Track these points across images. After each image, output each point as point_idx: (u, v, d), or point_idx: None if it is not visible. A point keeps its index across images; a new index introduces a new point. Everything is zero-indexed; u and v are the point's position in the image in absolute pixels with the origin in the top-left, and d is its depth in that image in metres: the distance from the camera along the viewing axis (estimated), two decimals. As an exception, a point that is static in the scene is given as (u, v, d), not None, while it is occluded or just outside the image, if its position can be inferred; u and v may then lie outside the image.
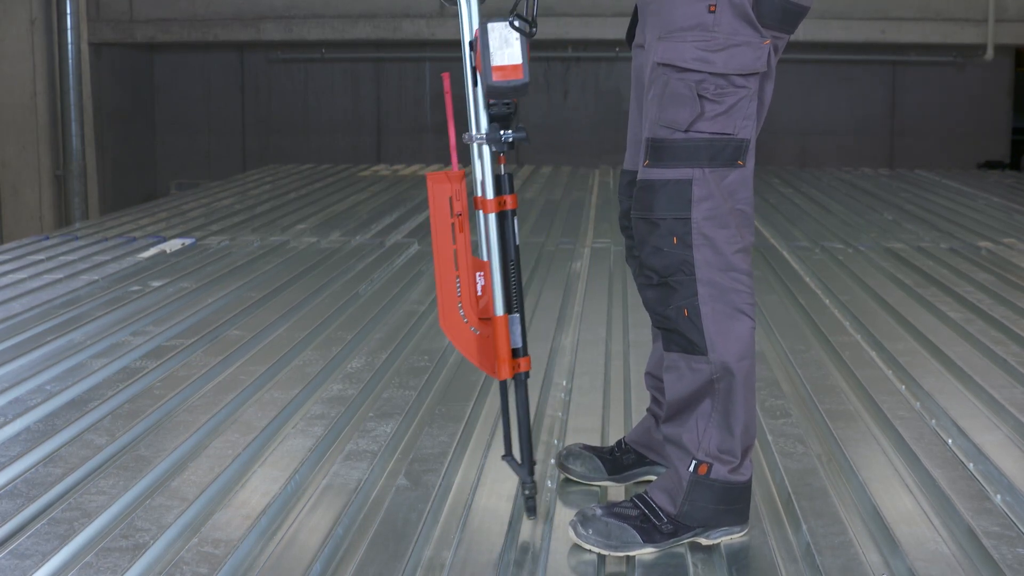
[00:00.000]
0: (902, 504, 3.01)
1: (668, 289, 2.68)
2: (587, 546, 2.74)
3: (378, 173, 10.71)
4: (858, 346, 4.56)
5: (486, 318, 2.83)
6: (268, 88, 12.95)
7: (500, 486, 3.11)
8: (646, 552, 2.74)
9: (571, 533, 2.77)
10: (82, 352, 4.38)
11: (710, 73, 2.60)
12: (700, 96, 2.60)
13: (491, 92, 2.68)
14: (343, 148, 12.79)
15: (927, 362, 4.32)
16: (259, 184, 9.84)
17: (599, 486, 3.15)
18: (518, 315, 2.83)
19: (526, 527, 2.89)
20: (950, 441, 3.47)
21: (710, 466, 2.72)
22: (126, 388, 3.93)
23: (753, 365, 2.74)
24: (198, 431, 3.52)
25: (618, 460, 3.15)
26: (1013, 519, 2.89)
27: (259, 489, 3.07)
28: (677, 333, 2.69)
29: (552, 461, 3.28)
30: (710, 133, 2.62)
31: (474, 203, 2.81)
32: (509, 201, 2.80)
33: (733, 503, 2.76)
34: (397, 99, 12.84)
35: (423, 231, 7.24)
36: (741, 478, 2.76)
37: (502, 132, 2.75)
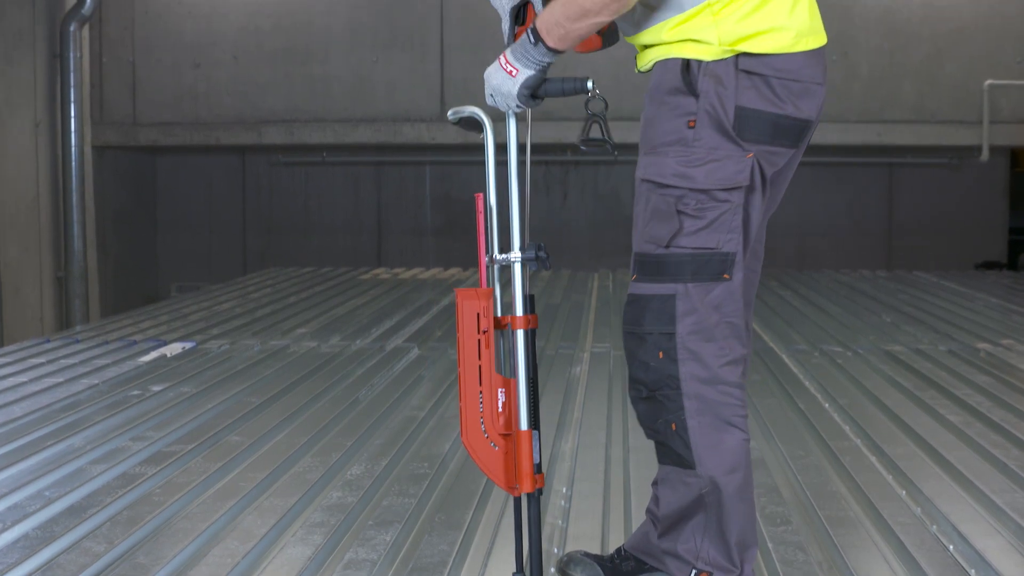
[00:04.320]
0: (904, 613, 3.00)
1: (656, 403, 2.70)
2: None
3: (378, 276, 10.75)
4: (858, 451, 4.55)
5: (505, 434, 2.85)
6: (269, 190, 13.05)
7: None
8: None
9: None
10: (82, 457, 4.37)
11: (690, 189, 2.64)
12: (679, 212, 2.64)
13: None
14: (344, 249, 12.85)
15: (927, 466, 4.31)
16: (260, 287, 9.87)
17: None
18: (538, 431, 2.85)
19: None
20: (951, 547, 3.46)
21: (711, 575, 2.71)
22: (125, 494, 3.93)
23: (748, 476, 2.73)
24: (197, 538, 3.51)
25: (618, 567, 3.14)
26: (1015, 628, 2.87)
27: (258, 598, 3.05)
28: (666, 447, 2.70)
29: (552, 569, 3.26)
30: (692, 248, 2.65)
31: (498, 322, 2.86)
32: (532, 320, 2.87)
33: None
34: (397, 201, 12.93)
35: (423, 335, 7.25)
36: None
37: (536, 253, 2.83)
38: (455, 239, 12.77)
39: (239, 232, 13.11)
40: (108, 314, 11.07)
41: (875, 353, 6.63)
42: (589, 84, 2.78)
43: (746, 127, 2.65)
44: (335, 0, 12.09)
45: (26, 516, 3.67)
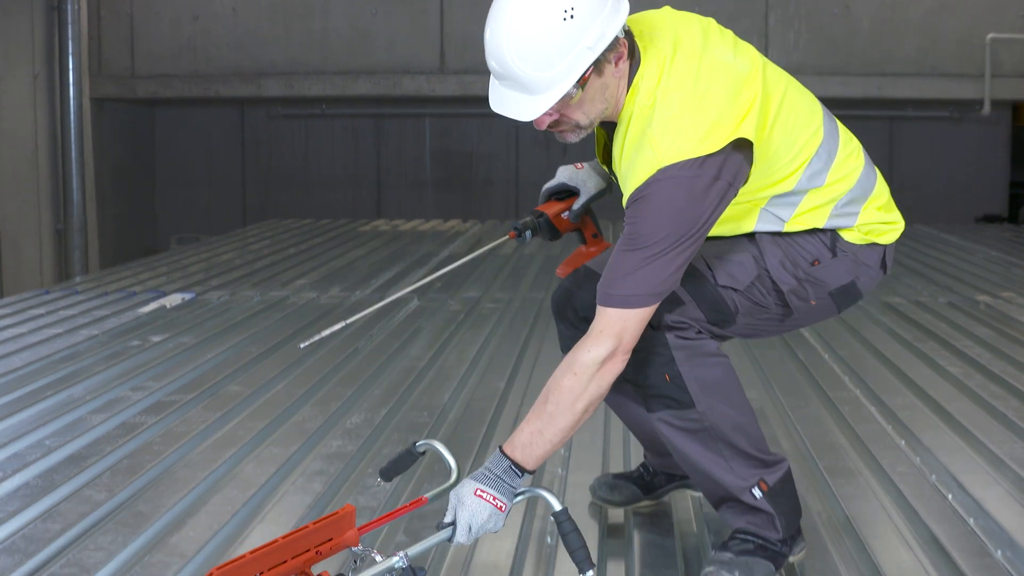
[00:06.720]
0: (903, 561, 3.00)
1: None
2: None
3: (378, 228, 10.74)
4: (857, 401, 4.56)
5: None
6: (268, 143, 13.02)
7: (500, 542, 3.10)
8: None
9: None
10: (81, 407, 4.38)
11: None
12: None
13: None
14: (343, 203, 12.83)
15: (926, 417, 4.32)
16: (259, 239, 9.86)
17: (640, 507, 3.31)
18: None
19: (528, 573, 2.89)
20: (950, 496, 3.46)
21: (764, 479, 2.82)
22: (125, 443, 3.93)
23: (731, 381, 2.82)
24: (197, 487, 3.51)
25: (650, 482, 3.33)
26: (1014, 574, 2.88)
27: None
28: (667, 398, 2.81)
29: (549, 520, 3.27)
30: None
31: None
32: None
33: (794, 495, 2.90)
34: (397, 155, 12.89)
35: (422, 287, 7.24)
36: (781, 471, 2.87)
37: None
38: (454, 192, 12.74)
39: (238, 185, 13.09)
40: (107, 266, 11.07)
41: (875, 305, 6.63)
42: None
43: (845, 301, 2.96)
44: (334, -48, 12.02)
45: (26, 465, 3.68)
